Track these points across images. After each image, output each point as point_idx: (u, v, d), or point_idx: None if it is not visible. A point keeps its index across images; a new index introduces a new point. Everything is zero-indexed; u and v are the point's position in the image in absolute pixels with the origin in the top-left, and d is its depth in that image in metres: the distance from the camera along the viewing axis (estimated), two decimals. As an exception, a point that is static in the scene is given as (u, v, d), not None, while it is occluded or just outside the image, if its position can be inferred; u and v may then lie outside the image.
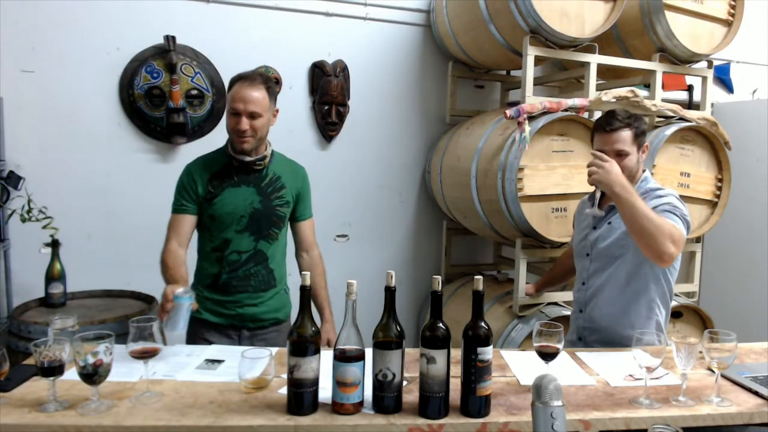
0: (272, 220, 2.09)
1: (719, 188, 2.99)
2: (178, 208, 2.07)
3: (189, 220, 2.06)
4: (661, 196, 1.98)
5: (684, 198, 2.80)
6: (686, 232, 1.92)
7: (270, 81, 2.06)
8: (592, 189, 2.01)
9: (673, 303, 2.20)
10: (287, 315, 2.21)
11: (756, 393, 1.59)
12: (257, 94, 1.96)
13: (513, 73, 3.53)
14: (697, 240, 3.08)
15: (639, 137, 1.98)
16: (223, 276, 2.06)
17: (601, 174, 1.88)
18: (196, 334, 2.09)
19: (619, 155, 1.96)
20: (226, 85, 3.02)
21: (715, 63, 3.29)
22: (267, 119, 2.01)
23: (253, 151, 2.03)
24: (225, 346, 1.94)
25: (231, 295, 2.06)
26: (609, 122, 1.97)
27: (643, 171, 2.08)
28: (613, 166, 1.88)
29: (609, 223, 2.06)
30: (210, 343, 2.04)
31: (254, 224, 2.06)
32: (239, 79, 2.01)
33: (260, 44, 3.16)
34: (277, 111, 2.08)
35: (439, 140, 3.49)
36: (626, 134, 1.96)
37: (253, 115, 1.95)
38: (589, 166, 1.93)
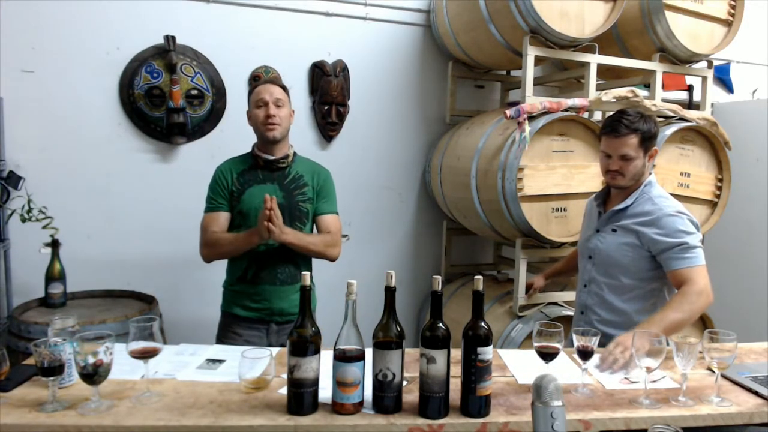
0: (295, 215, 2.18)
1: (719, 188, 2.99)
2: (212, 207, 2.17)
3: (224, 217, 2.17)
4: (669, 215, 1.95)
5: (684, 198, 2.83)
6: (700, 239, 1.98)
7: (285, 87, 2.24)
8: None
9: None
10: (313, 310, 2.20)
11: (756, 393, 1.59)
12: (279, 90, 2.18)
13: (513, 73, 3.53)
14: (697, 240, 3.08)
15: (646, 142, 1.97)
16: (252, 268, 2.16)
17: (623, 359, 1.67)
18: (227, 328, 2.20)
19: (624, 159, 1.97)
20: (227, 85, 3.10)
21: (715, 63, 3.29)
22: (289, 112, 2.20)
23: (280, 143, 2.17)
24: (226, 346, 1.95)
25: (259, 286, 2.15)
26: (615, 128, 1.96)
27: (650, 174, 2.06)
28: (625, 345, 1.68)
29: (614, 230, 2.05)
30: (239, 336, 2.14)
31: None
32: (258, 80, 2.19)
33: (260, 44, 3.16)
34: (293, 112, 2.25)
35: (439, 140, 3.49)
36: (632, 140, 1.95)
37: (278, 104, 2.14)
38: (610, 361, 1.69)
